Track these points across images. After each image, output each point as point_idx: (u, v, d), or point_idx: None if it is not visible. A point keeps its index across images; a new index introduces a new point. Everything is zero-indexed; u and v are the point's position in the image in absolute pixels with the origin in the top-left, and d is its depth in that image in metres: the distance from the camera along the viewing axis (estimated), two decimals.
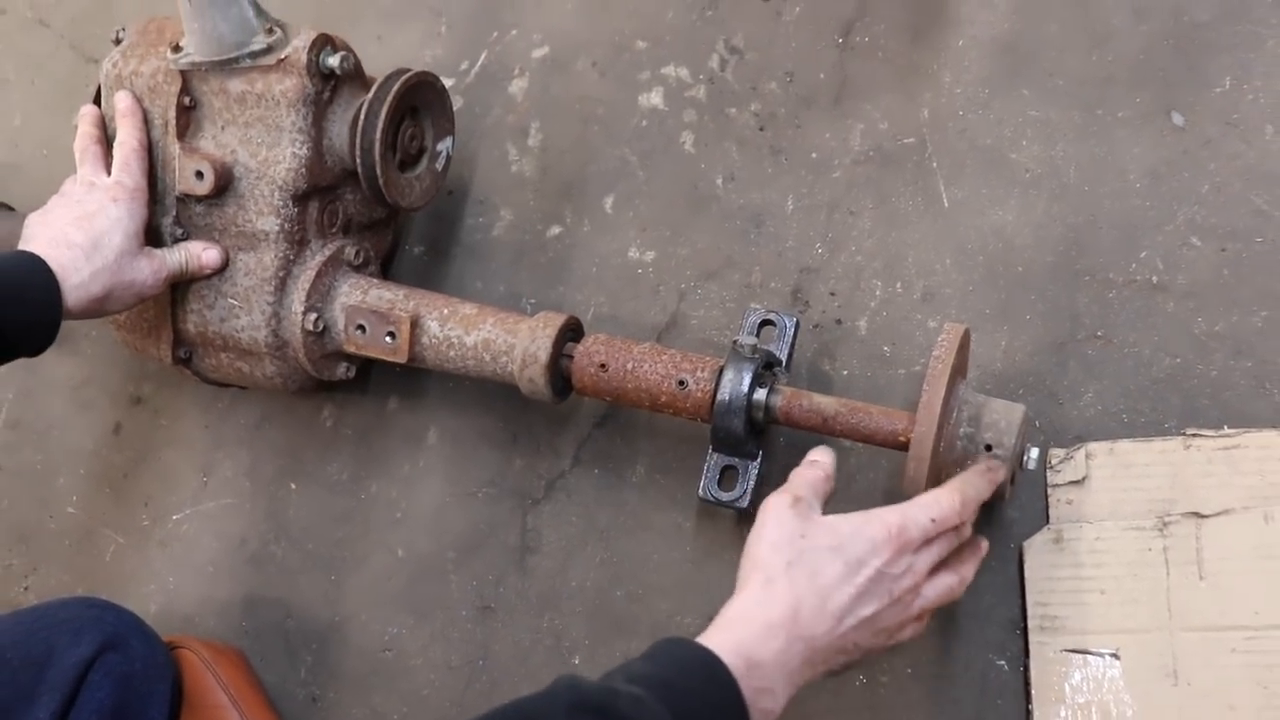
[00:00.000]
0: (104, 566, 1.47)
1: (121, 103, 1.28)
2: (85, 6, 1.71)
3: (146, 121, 1.28)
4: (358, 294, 1.29)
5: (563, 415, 1.36)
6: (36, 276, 1.16)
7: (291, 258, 1.27)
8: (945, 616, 1.18)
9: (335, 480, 1.43)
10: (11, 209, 1.50)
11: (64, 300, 1.17)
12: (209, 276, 1.29)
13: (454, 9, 1.56)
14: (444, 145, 1.37)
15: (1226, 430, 1.16)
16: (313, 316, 1.27)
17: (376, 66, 1.33)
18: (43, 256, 1.17)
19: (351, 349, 1.29)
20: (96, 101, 1.36)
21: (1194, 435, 1.17)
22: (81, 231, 1.21)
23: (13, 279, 1.16)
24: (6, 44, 1.76)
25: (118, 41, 1.33)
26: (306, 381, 1.34)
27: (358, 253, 1.32)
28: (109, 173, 1.27)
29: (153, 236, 1.28)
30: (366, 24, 1.58)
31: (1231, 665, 1.08)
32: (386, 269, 1.43)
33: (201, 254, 1.27)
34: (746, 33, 1.44)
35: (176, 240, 1.28)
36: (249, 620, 1.40)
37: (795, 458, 1.24)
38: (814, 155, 1.38)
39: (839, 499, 1.22)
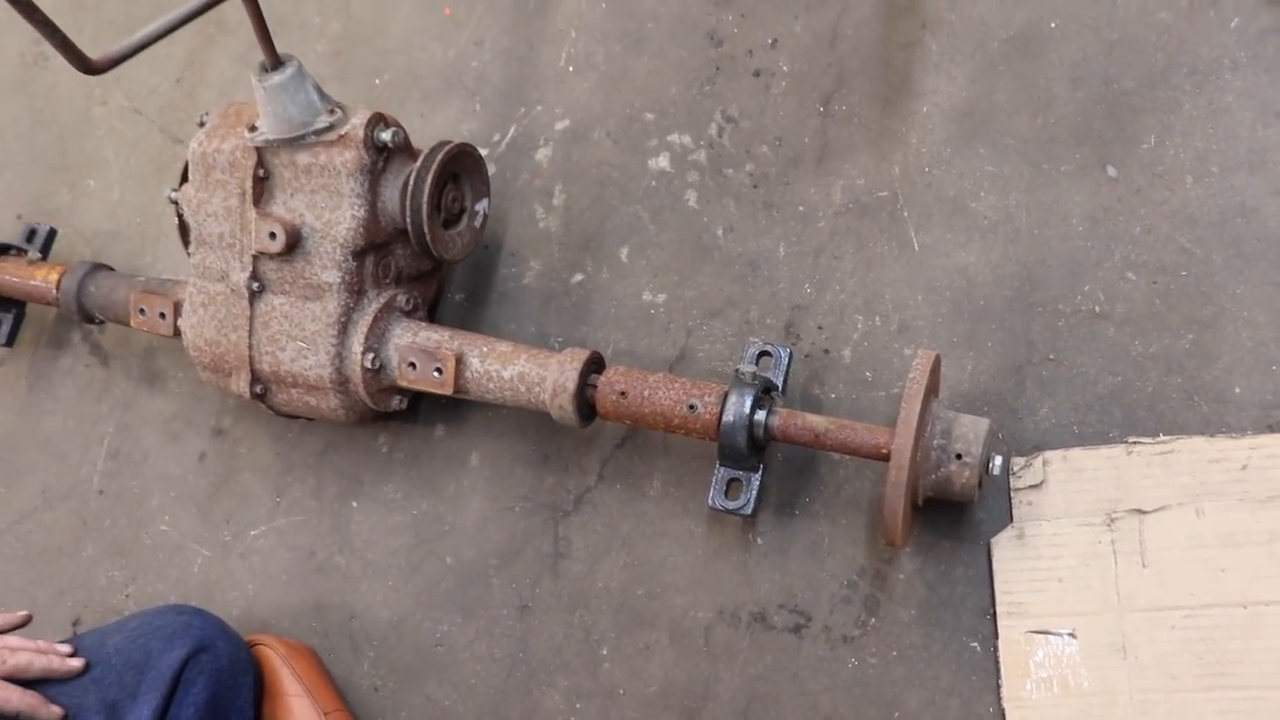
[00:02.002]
0: (193, 576, 1.45)
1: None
2: (173, 96, 1.70)
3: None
4: (409, 336, 1.28)
5: (587, 438, 1.34)
6: None
7: (352, 305, 1.27)
8: (925, 605, 1.17)
9: (391, 499, 1.41)
10: (111, 269, 1.51)
11: None
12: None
13: (486, 89, 1.54)
14: (481, 206, 1.36)
15: (1162, 438, 1.15)
16: (371, 356, 1.27)
17: (421, 139, 1.32)
18: None
19: (404, 383, 1.28)
20: (184, 178, 1.36)
21: (1134, 443, 1.15)
22: None
23: None
24: (106, 129, 1.74)
25: (202, 124, 1.32)
26: (365, 413, 1.33)
27: (408, 300, 1.32)
28: None
29: (234, 292, 1.28)
30: (411, 103, 1.57)
31: (1171, 640, 1.07)
32: (432, 314, 1.42)
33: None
34: (740, 104, 1.42)
35: (254, 294, 1.28)
36: (318, 621, 1.38)
37: (792, 470, 1.25)
38: (801, 208, 1.36)
39: (831, 504, 1.24)
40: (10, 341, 1.61)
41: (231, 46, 1.70)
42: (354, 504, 1.42)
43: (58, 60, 1.80)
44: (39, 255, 1.58)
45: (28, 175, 1.76)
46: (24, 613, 1.23)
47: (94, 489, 1.54)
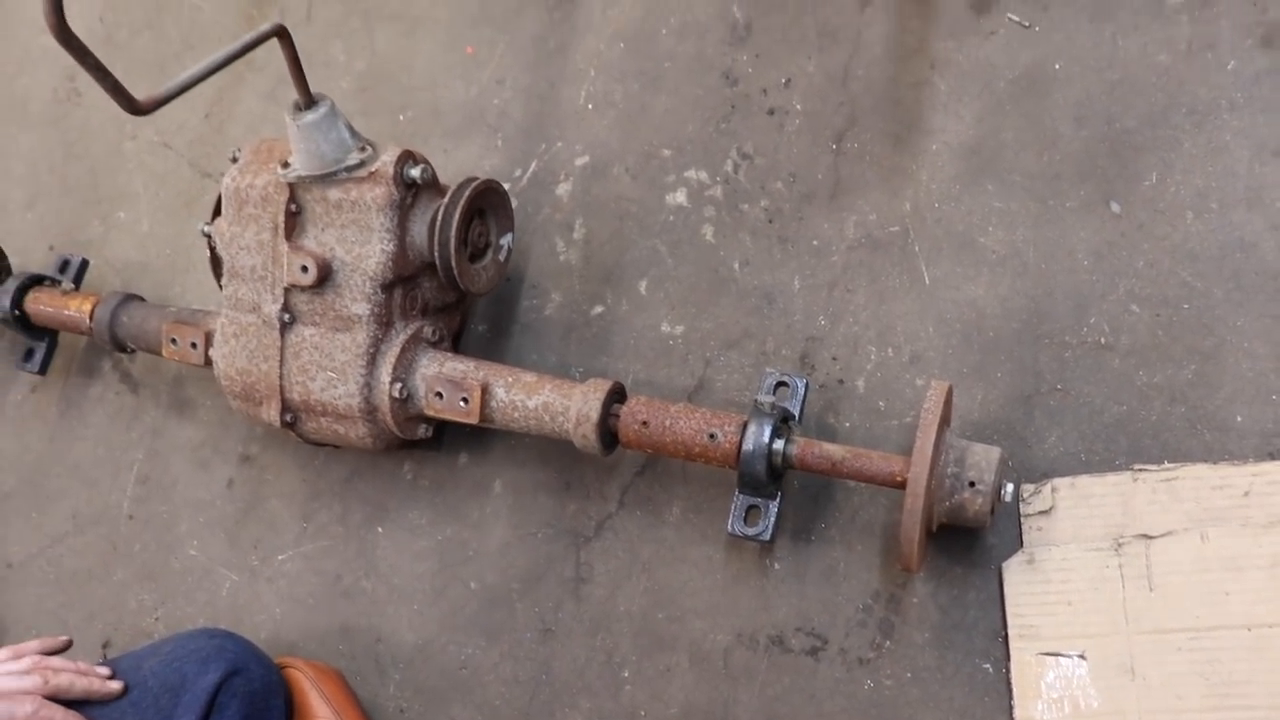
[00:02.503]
0: (221, 600, 1.47)
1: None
2: (202, 131, 1.74)
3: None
4: (435, 366, 1.31)
5: (608, 466, 1.37)
6: None
7: (380, 337, 1.29)
8: (938, 628, 1.20)
9: (416, 525, 1.43)
10: (143, 299, 1.54)
11: None
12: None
13: (508, 126, 1.57)
14: (505, 240, 1.39)
15: (1167, 465, 1.17)
16: (399, 386, 1.29)
17: (445, 174, 1.35)
18: None
19: (431, 412, 1.31)
20: (217, 212, 1.39)
21: (1140, 470, 1.18)
22: None
23: None
24: (136, 163, 1.77)
25: (234, 160, 1.35)
26: (392, 441, 1.36)
27: (434, 331, 1.34)
28: None
29: (265, 323, 1.31)
30: (434, 139, 1.60)
31: (1178, 662, 1.09)
32: (456, 344, 1.44)
33: None
34: (755, 141, 1.45)
35: (285, 325, 1.30)
36: (345, 644, 1.40)
37: (808, 497, 1.27)
38: (815, 243, 1.39)
39: (846, 530, 1.26)
40: (43, 369, 1.64)
41: (259, 84, 1.74)
42: (379, 530, 1.44)
43: (90, 96, 1.85)
44: (72, 286, 1.61)
45: (60, 207, 1.80)
46: (65, 638, 1.25)
47: (124, 514, 1.57)
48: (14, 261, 1.71)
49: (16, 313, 1.56)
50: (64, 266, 1.65)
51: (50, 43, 1.88)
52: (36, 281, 1.60)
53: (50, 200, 1.81)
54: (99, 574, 1.55)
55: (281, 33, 1.17)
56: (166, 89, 1.08)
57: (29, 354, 1.64)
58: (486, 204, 1.35)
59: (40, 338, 1.63)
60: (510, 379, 1.29)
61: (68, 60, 1.85)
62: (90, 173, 1.80)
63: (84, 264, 1.66)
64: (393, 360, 1.30)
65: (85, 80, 1.84)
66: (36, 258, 1.76)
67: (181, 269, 1.68)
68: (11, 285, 1.56)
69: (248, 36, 1.15)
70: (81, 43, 0.97)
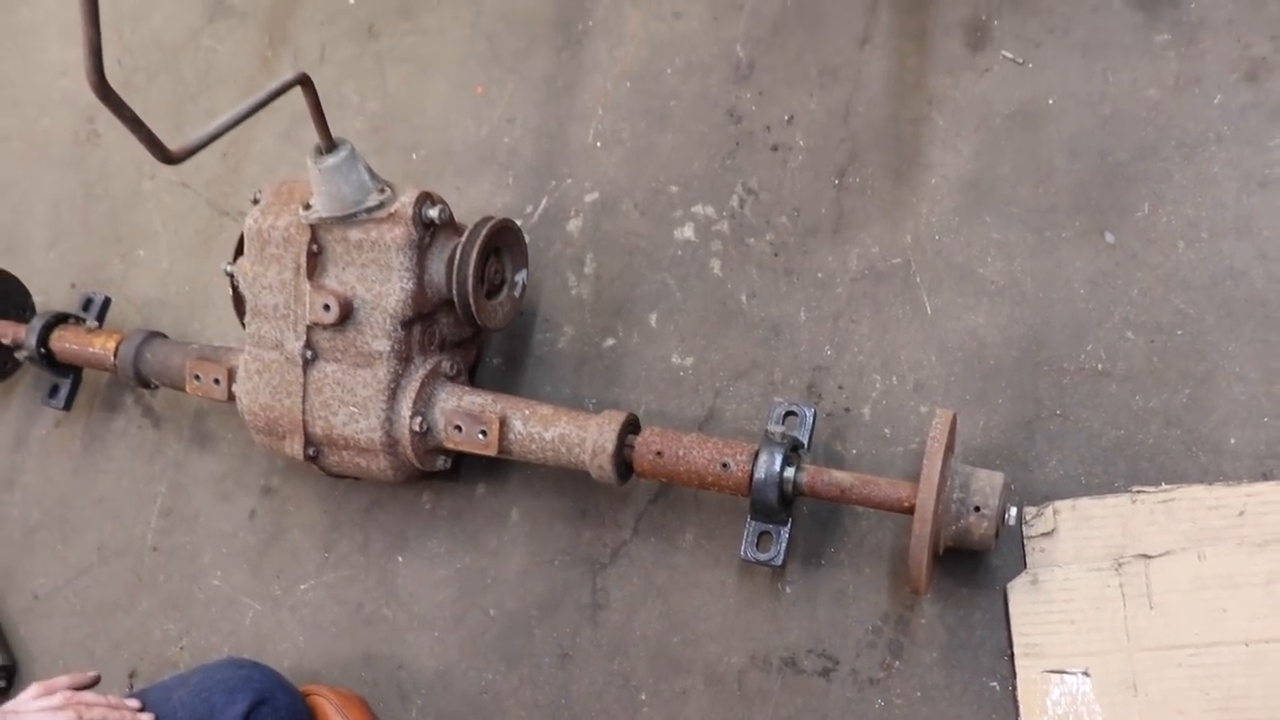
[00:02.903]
0: (245, 629, 1.51)
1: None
2: (218, 171, 1.78)
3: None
4: (454, 400, 1.35)
5: (622, 494, 1.40)
6: None
7: (400, 372, 1.33)
8: (946, 648, 1.23)
9: (435, 553, 1.46)
10: (165, 336, 1.57)
11: None
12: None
13: (519, 164, 1.61)
14: (520, 276, 1.43)
15: (1164, 487, 1.21)
16: (419, 419, 1.33)
17: (459, 212, 1.39)
18: None
19: (450, 445, 1.34)
20: (239, 252, 1.43)
21: (1138, 492, 1.22)
22: None
23: None
24: (155, 203, 1.81)
25: (255, 201, 1.39)
26: (412, 473, 1.39)
27: (452, 365, 1.38)
28: None
29: (288, 360, 1.34)
30: (447, 177, 1.64)
31: (1179, 677, 1.13)
32: (472, 378, 1.47)
33: None
34: (760, 177, 1.49)
35: (308, 362, 1.33)
36: (367, 671, 1.43)
37: (818, 523, 1.31)
38: (820, 275, 1.42)
39: (855, 554, 1.30)
40: (68, 405, 1.68)
41: (274, 124, 1.78)
42: (399, 559, 1.48)
43: (108, 137, 1.90)
44: (96, 323, 1.65)
45: (81, 246, 1.84)
46: (94, 673, 1.28)
47: (148, 546, 1.60)
48: (38, 300, 1.76)
49: (42, 350, 1.60)
50: (87, 304, 1.69)
51: (70, 86, 1.94)
52: (61, 320, 1.64)
53: (72, 239, 1.85)
54: (124, 604, 1.59)
55: (304, 81, 1.22)
56: (197, 138, 1.12)
57: (54, 390, 1.68)
58: (502, 242, 1.39)
59: (65, 374, 1.67)
60: (527, 411, 1.32)
61: (86, 103, 1.91)
62: (110, 212, 1.84)
63: (106, 302, 1.70)
64: (413, 395, 1.33)
65: (104, 122, 1.89)
66: (59, 295, 1.80)
67: (201, 305, 1.72)
68: (37, 324, 1.60)
69: (273, 85, 1.20)
70: (119, 97, 1.01)
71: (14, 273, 1.74)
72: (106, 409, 1.71)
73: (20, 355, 1.63)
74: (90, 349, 1.58)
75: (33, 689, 1.23)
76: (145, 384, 1.56)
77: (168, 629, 1.55)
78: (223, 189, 1.77)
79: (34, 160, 1.94)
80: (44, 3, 2.06)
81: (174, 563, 1.58)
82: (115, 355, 1.55)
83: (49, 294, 1.81)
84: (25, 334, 1.61)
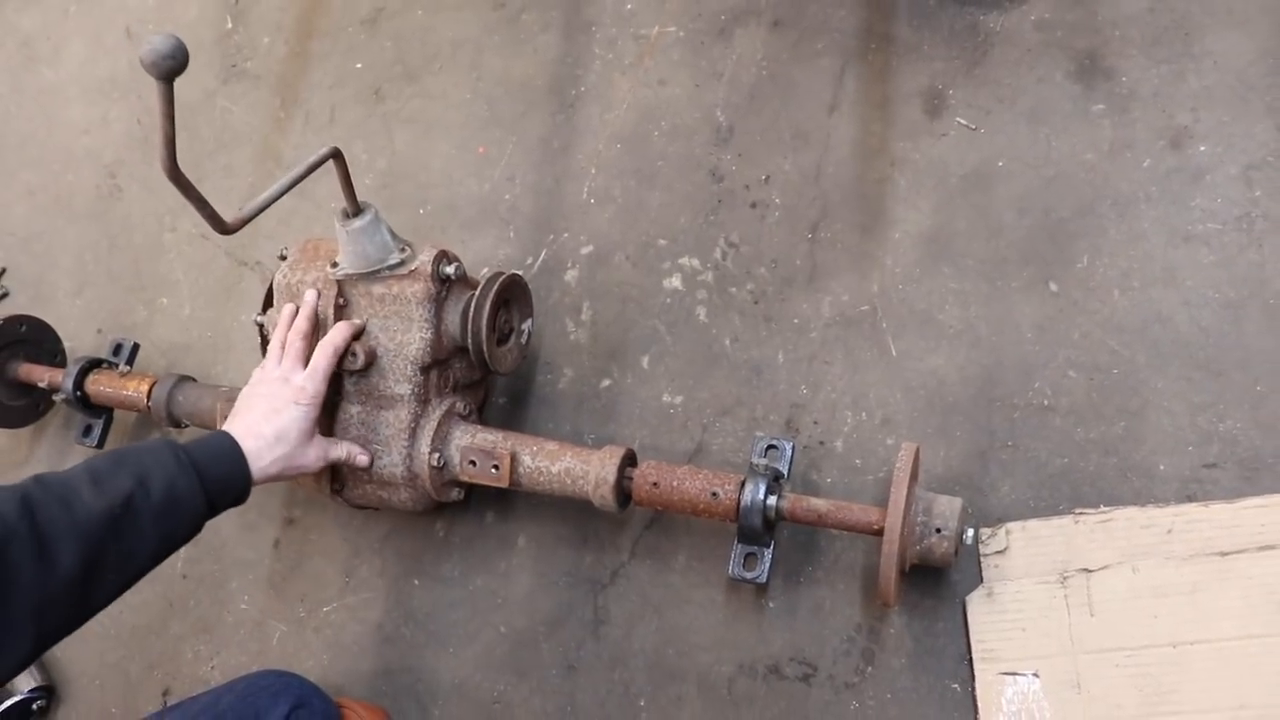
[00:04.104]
0: (272, 649, 1.62)
1: (338, 334, 1.40)
2: None
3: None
4: (468, 437, 1.46)
5: (620, 521, 1.52)
6: (236, 464, 1.28)
7: (419, 413, 1.45)
8: (913, 654, 1.35)
9: (448, 576, 1.57)
10: (194, 380, 1.69)
11: (250, 478, 1.30)
12: (356, 469, 1.43)
13: (519, 219, 1.74)
14: (527, 325, 1.56)
15: (1102, 509, 1.33)
16: (436, 455, 1.44)
17: (464, 264, 1.47)
18: (239, 442, 1.29)
19: (465, 478, 1.46)
20: (267, 303, 1.55)
21: (1080, 513, 1.34)
22: (270, 425, 1.32)
23: (221, 465, 1.27)
24: (177, 253, 1.93)
25: (283, 257, 1.51)
26: (429, 503, 1.50)
27: (465, 406, 1.50)
28: (305, 366, 1.38)
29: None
30: (452, 230, 1.77)
31: (1117, 676, 1.26)
32: (480, 416, 1.58)
33: (358, 455, 1.42)
34: (740, 232, 1.61)
35: (336, 406, 1.45)
36: (387, 685, 1.54)
37: (797, 544, 1.43)
38: (796, 321, 1.54)
39: (831, 572, 1.42)
40: (101, 444, 1.80)
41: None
42: (415, 582, 1.59)
43: (129, 191, 2.03)
44: (127, 367, 1.78)
45: (106, 294, 1.96)
46: None
47: (178, 574, 1.72)
48: (67, 345, 1.88)
49: (78, 393, 1.72)
50: (117, 349, 1.81)
51: (91, 143, 2.08)
52: (94, 365, 1.76)
53: (97, 288, 1.97)
54: (157, 628, 1.70)
55: (337, 155, 1.35)
56: (248, 210, 1.26)
57: (87, 429, 1.80)
58: (511, 295, 1.51)
59: (98, 415, 1.79)
60: (535, 448, 1.45)
61: (109, 158, 2.04)
62: (133, 262, 1.96)
63: (135, 347, 1.82)
64: (431, 433, 1.45)
65: (126, 176, 2.02)
66: (87, 340, 1.92)
67: (223, 349, 1.84)
68: (74, 369, 1.73)
69: (311, 159, 1.33)
70: (188, 179, 1.14)
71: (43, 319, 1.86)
72: None
73: (57, 398, 1.75)
74: (124, 392, 1.70)
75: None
76: (176, 424, 1.68)
77: (199, 650, 1.66)
78: (240, 240, 1.87)
79: (59, 213, 2.06)
80: (66, 65, 2.18)
81: (203, 589, 1.69)
82: (149, 398, 1.67)
83: (77, 339, 1.92)
84: (62, 379, 1.73)
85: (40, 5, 2.26)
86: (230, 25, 2.10)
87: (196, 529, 1.25)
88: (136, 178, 2.03)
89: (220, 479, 1.26)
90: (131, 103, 2.10)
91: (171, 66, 1.05)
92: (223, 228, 1.23)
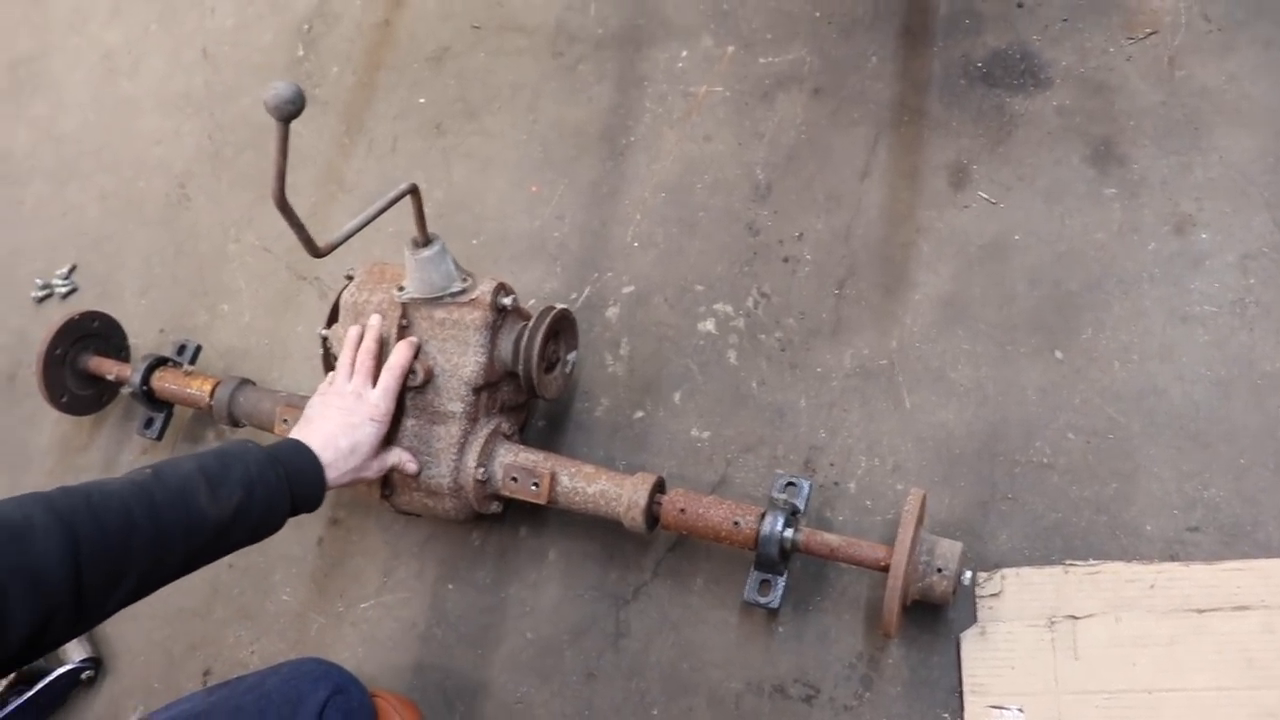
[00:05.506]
0: (310, 639, 1.71)
1: (402, 355, 1.49)
2: (298, 241, 2.01)
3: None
4: (511, 456, 1.57)
5: (645, 542, 1.60)
6: (317, 476, 1.39)
7: (469, 430, 1.55)
8: (908, 683, 1.43)
9: (481, 584, 1.66)
10: (254, 383, 1.80)
11: (325, 489, 1.40)
12: (406, 479, 1.54)
13: (566, 256, 1.84)
14: (572, 357, 1.66)
15: (1091, 562, 1.39)
16: (481, 470, 1.54)
17: None
18: (317, 453, 1.39)
19: (506, 493, 1.56)
20: (332, 318, 1.66)
21: (1070, 565, 1.40)
22: (347, 439, 1.43)
23: (305, 478, 1.37)
24: (239, 263, 2.03)
25: (350, 278, 1.61)
26: (470, 514, 1.60)
27: (510, 426, 1.61)
28: (374, 385, 1.49)
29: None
30: (503, 262, 1.87)
31: (1097, 717, 1.32)
32: (521, 436, 1.67)
33: (408, 462, 1.52)
34: (772, 283, 1.71)
35: (397, 419, 1.54)
36: (417, 680, 1.63)
37: (808, 575, 1.51)
38: (819, 370, 1.63)
39: (838, 603, 1.50)
40: (160, 436, 1.92)
41: (349, 203, 2.04)
42: (450, 586, 1.69)
43: (197, 202, 2.16)
44: (191, 367, 1.90)
45: (170, 297, 2.07)
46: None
47: (224, 564, 1.81)
48: (132, 342, 2.00)
49: (145, 388, 1.85)
50: (181, 350, 1.93)
51: (163, 153, 2.21)
52: (161, 362, 1.88)
53: (161, 290, 2.09)
54: (201, 612, 1.80)
55: (414, 190, 1.47)
56: (337, 237, 1.38)
57: (149, 422, 1.92)
58: (560, 327, 1.62)
59: (160, 409, 1.91)
60: (574, 469, 1.55)
61: (179, 169, 2.17)
62: (198, 268, 2.08)
63: (198, 349, 1.94)
64: (478, 449, 1.56)
65: (195, 187, 2.14)
66: (149, 338, 2.04)
67: (279, 357, 1.95)
68: (142, 366, 1.85)
69: (391, 194, 1.45)
70: (293, 210, 1.27)
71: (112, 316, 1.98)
72: (189, 441, 1.94)
73: (125, 390, 1.87)
74: (188, 390, 1.82)
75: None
76: (235, 424, 1.79)
77: (240, 635, 1.76)
78: (301, 255, 1.93)
79: (130, 217, 2.18)
80: (144, 80, 2.31)
81: (247, 579, 1.79)
82: (211, 397, 1.79)
83: (141, 337, 2.04)
84: (131, 373, 1.85)
85: (124, 21, 2.40)
86: (302, 53, 2.22)
87: (271, 534, 1.36)
88: (205, 189, 2.15)
89: (303, 492, 1.37)
90: (204, 119, 2.22)
91: (292, 111, 1.18)
92: (316, 252, 1.36)
